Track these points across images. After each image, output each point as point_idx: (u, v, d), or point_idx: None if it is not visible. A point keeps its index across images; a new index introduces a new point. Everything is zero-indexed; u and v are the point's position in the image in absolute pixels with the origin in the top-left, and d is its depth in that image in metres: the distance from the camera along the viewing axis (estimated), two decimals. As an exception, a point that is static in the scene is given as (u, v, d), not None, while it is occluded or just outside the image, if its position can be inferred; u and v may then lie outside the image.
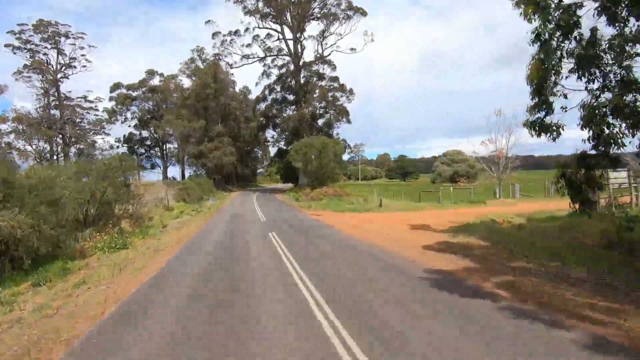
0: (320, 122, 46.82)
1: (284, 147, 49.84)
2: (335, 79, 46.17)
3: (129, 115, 71.03)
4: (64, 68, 68.22)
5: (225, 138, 49.35)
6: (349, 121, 45.63)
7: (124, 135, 72.77)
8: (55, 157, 69.29)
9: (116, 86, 69.80)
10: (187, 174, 60.92)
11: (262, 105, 48.82)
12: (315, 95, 44.89)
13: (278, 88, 47.50)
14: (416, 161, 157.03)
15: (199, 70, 47.30)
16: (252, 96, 58.56)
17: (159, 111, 65.50)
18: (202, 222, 17.92)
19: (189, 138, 47.79)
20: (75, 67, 69.13)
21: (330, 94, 44.87)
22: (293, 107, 46.23)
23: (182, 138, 49.33)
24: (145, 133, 72.95)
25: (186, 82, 56.01)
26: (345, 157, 57.32)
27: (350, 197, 29.35)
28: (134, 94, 70.53)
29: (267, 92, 47.74)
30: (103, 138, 71.83)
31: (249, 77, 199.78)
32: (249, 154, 65.18)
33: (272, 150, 70.38)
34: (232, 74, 58.94)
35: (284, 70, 46.45)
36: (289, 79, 45.95)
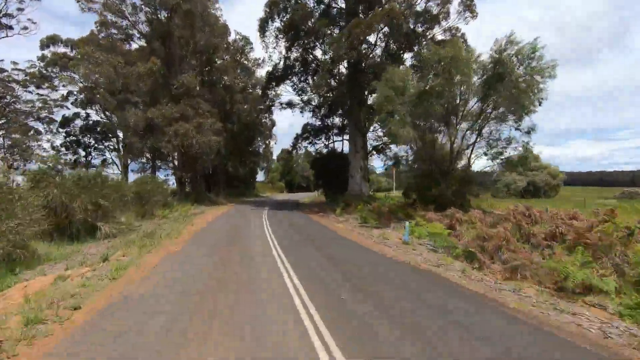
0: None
1: (319, 123, 25.59)
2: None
3: (68, 85, 47.87)
4: (-9, 25, 46.25)
5: (202, 102, 25.78)
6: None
7: (64, 116, 49.26)
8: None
9: (50, 40, 46.78)
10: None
11: (279, 25, 23.68)
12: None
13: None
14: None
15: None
16: (255, 55, 34.49)
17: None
18: None
19: (131, 96, 24.18)
20: (11, 27, 47.20)
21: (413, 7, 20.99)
22: (339, 30, 22.10)
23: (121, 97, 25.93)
24: (95, 116, 49.79)
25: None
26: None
27: None
28: (80, 55, 47.65)
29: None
30: (49, 127, 49.23)
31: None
32: (246, 144, 40.95)
33: (277, 148, 46.26)
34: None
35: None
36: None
